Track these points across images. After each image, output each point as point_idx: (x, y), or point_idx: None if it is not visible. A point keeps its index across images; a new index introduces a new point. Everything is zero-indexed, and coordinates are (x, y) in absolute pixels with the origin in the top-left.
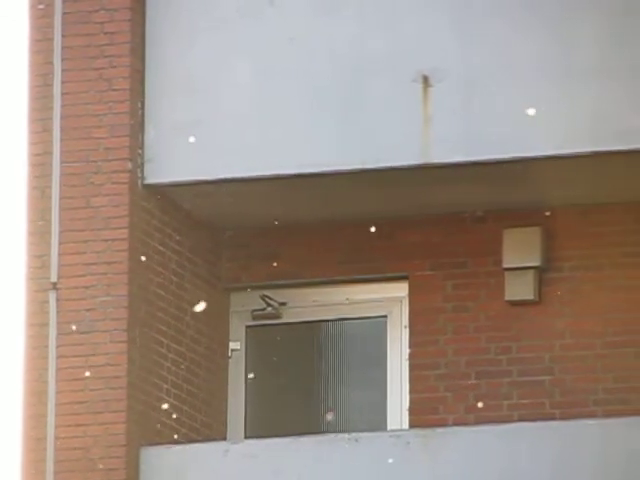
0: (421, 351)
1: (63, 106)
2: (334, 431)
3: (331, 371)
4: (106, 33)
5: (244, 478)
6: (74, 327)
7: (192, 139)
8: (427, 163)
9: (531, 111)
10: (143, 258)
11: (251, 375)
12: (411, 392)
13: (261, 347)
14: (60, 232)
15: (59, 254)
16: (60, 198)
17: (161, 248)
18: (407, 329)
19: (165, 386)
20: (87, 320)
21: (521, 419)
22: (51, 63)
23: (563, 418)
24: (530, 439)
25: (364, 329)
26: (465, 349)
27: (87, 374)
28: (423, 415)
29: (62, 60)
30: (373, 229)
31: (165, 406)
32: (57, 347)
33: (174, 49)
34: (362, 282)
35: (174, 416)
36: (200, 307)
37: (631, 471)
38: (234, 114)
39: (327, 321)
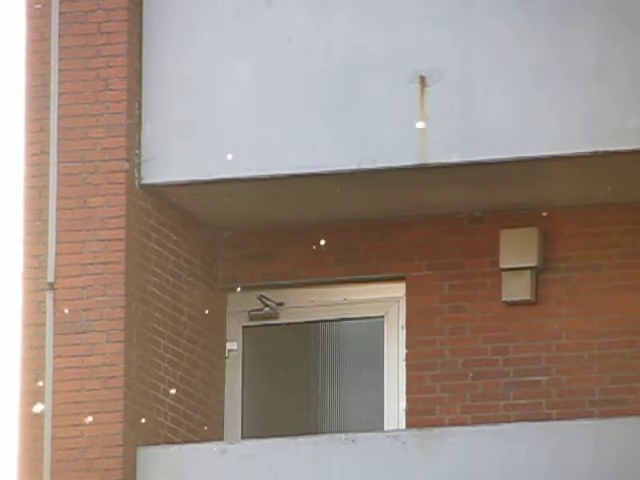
0: (418, 351)
1: (60, 106)
2: (331, 431)
3: (328, 371)
4: (103, 33)
5: (241, 478)
6: (70, 327)
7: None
8: (424, 163)
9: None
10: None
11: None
12: (408, 392)
13: (258, 347)
14: (57, 232)
15: (56, 254)
16: (57, 198)
17: (158, 248)
18: (404, 329)
19: (162, 386)
20: (84, 320)
21: (518, 419)
22: (48, 63)
23: (560, 418)
24: (527, 439)
25: (361, 329)
26: (462, 349)
27: (83, 374)
28: (420, 415)
29: (59, 60)
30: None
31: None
32: (54, 347)
33: (171, 49)
34: (359, 282)
35: (171, 415)
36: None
37: (627, 471)
38: (231, 114)
39: (324, 321)
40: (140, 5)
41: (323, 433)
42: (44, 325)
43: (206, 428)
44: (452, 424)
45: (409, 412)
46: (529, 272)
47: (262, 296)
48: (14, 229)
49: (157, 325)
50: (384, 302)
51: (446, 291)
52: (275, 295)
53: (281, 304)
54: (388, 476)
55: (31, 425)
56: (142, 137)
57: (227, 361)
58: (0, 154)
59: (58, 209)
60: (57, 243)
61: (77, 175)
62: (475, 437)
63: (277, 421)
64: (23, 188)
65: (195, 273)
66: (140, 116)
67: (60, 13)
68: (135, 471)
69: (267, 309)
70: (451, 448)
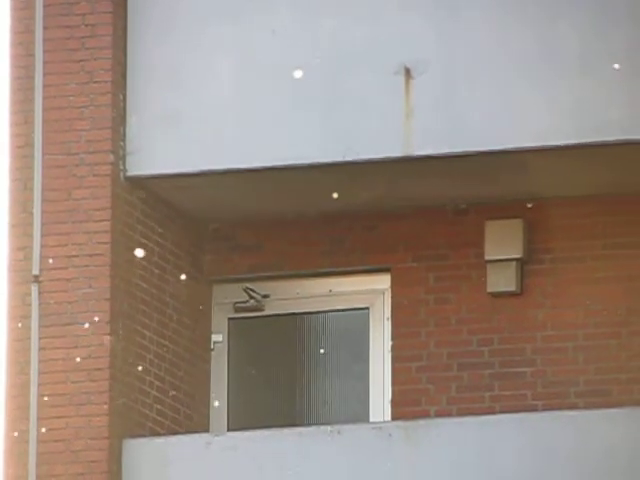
0: (403, 343)
1: (45, 98)
2: (316, 423)
3: (313, 363)
4: (87, 25)
5: (226, 470)
6: (56, 319)
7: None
8: (409, 155)
9: None
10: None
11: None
12: (393, 384)
13: (243, 339)
14: (42, 224)
15: (41, 246)
16: (42, 190)
17: (143, 240)
18: (389, 321)
19: (148, 378)
20: (69, 312)
21: (503, 411)
22: (32, 55)
23: (545, 409)
24: (512, 431)
25: (346, 321)
26: (447, 341)
27: (69, 367)
28: (405, 407)
29: (43, 52)
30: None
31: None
32: (39, 339)
33: (156, 41)
34: (344, 274)
35: (157, 407)
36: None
37: (612, 462)
38: (216, 106)
39: (309, 313)
40: None
41: (308, 425)
42: (29, 317)
43: (191, 420)
44: (437, 415)
45: (394, 404)
46: (514, 263)
47: (247, 288)
48: None
49: (142, 317)
50: (369, 294)
51: (431, 283)
52: (260, 287)
53: (266, 296)
54: (373, 467)
55: (16, 417)
56: (127, 129)
57: (212, 353)
58: None
59: (43, 201)
60: (42, 235)
61: (62, 167)
62: (460, 428)
63: (262, 413)
64: (8, 180)
65: (180, 265)
66: (125, 108)
67: (44, 5)
68: (121, 463)
69: (252, 301)
70: (436, 439)
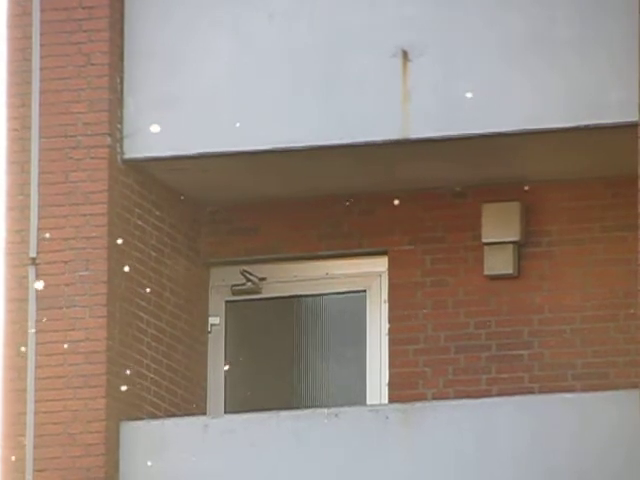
0: (400, 326)
1: (42, 81)
2: (313, 406)
3: (311, 346)
4: (85, 7)
5: (223, 453)
6: (53, 302)
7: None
8: (406, 138)
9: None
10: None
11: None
12: (390, 367)
13: (241, 322)
14: (39, 207)
15: (38, 229)
16: (39, 173)
17: (140, 223)
18: (386, 304)
19: (145, 361)
20: (66, 295)
21: (500, 393)
22: (29, 38)
23: (542, 392)
24: (509, 413)
25: (344, 304)
26: (444, 324)
27: (66, 347)
28: (402, 390)
29: (41, 35)
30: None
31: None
32: (36, 322)
33: (153, 24)
34: (341, 257)
35: (154, 390)
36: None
37: (609, 445)
38: (213, 89)
39: (306, 296)
40: None
41: (305, 407)
42: (26, 300)
43: (193, 406)
44: (434, 398)
45: (391, 386)
46: (511, 246)
47: (245, 271)
48: None
49: (140, 300)
50: (366, 277)
51: (428, 265)
52: (258, 270)
53: (263, 279)
54: (371, 450)
55: (14, 399)
56: (124, 112)
57: (210, 336)
58: None
59: (40, 184)
60: (39, 218)
61: (59, 150)
62: (457, 411)
63: (260, 396)
64: (5, 163)
65: (178, 248)
66: (122, 91)
67: None
68: (118, 445)
69: (249, 284)
70: (433, 422)
